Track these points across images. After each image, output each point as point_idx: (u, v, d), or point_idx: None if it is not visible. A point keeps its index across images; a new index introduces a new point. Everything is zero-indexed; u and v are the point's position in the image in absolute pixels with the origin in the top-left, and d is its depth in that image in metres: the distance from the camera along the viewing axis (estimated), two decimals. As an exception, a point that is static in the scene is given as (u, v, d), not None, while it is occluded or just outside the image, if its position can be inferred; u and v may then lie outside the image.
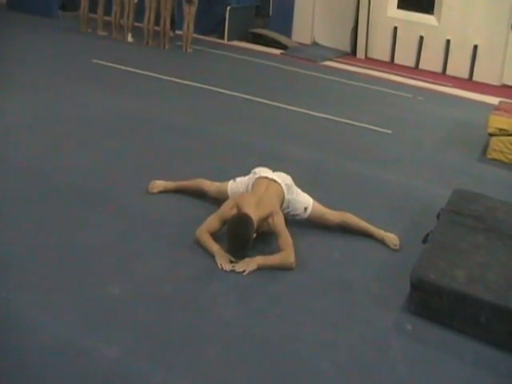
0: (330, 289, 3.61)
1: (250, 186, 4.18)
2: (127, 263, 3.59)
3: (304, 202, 4.25)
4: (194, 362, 2.83)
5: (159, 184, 4.57)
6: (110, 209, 4.24)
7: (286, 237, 3.78)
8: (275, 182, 4.15)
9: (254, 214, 3.76)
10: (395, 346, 3.15)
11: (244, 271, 3.58)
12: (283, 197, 4.13)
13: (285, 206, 4.16)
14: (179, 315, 3.16)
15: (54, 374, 2.66)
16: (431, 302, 3.35)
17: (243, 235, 3.67)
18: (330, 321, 3.30)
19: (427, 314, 3.37)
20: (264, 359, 2.92)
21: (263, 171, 4.28)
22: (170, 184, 4.58)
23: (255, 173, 4.28)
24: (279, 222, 3.84)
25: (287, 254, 3.72)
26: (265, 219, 3.83)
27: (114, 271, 3.50)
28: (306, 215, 4.25)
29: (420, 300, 3.38)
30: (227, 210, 3.88)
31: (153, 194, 4.51)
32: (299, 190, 4.30)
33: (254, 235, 3.73)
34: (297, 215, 4.25)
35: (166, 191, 4.55)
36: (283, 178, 4.24)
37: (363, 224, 4.30)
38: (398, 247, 4.15)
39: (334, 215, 4.28)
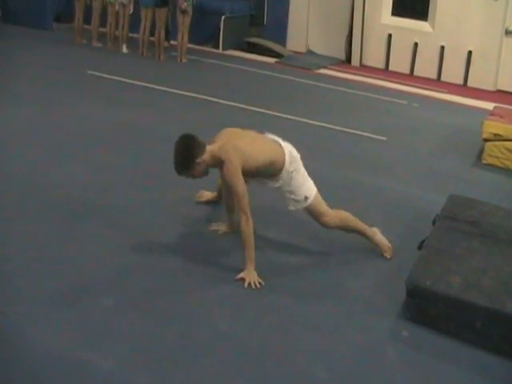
0: (326, 297, 3.61)
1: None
2: (122, 275, 3.59)
3: (307, 190, 3.97)
4: (190, 373, 2.82)
5: (207, 194, 4.59)
6: (104, 220, 4.23)
7: (238, 198, 3.59)
8: (279, 145, 3.91)
9: (213, 146, 3.64)
10: (391, 352, 3.15)
11: (254, 284, 3.57)
12: (282, 164, 3.83)
13: (284, 177, 3.88)
14: (174, 326, 3.16)
15: (49, 387, 2.65)
16: (427, 309, 3.35)
17: (181, 152, 3.58)
18: (325, 329, 3.30)
19: (423, 320, 3.37)
20: (260, 369, 2.91)
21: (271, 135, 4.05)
22: (216, 195, 4.57)
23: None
24: (231, 173, 3.59)
25: (242, 225, 3.59)
26: (218, 160, 3.63)
27: (109, 283, 3.49)
28: (304, 205, 3.97)
29: (416, 306, 3.38)
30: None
31: (199, 202, 4.57)
32: (306, 175, 4.02)
33: (200, 161, 3.59)
34: (295, 201, 3.98)
35: (211, 201, 4.58)
36: (290, 149, 3.94)
37: (360, 225, 4.14)
38: (389, 257, 4.13)
39: (331, 219, 4.03)
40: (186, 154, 3.60)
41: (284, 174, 3.88)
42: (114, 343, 2.96)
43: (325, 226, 4.09)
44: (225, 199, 4.28)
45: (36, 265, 3.58)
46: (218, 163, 3.67)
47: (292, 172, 3.91)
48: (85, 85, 8.18)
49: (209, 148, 3.64)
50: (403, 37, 12.20)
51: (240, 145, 3.67)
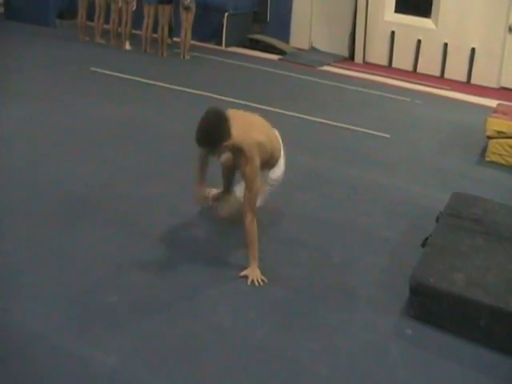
0: (329, 294, 3.60)
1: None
2: (125, 272, 3.58)
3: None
4: (193, 370, 2.82)
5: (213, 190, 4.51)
6: (107, 217, 4.23)
7: (252, 194, 3.59)
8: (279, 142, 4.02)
9: (237, 135, 3.56)
10: (395, 350, 3.14)
11: (257, 281, 3.56)
12: (274, 161, 3.98)
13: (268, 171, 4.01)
14: (178, 323, 3.15)
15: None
16: (431, 306, 3.34)
17: (213, 130, 3.48)
18: (329, 326, 3.29)
19: (427, 318, 3.36)
20: (263, 366, 2.91)
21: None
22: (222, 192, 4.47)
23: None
24: (254, 171, 3.59)
25: (247, 224, 3.57)
26: (239, 150, 3.60)
27: (112, 280, 3.49)
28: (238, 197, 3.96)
29: (420, 304, 3.37)
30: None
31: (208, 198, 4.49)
32: (267, 192, 4.10)
33: (226, 144, 3.53)
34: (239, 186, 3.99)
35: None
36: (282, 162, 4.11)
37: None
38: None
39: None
40: (218, 134, 3.50)
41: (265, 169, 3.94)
42: (116, 340, 2.96)
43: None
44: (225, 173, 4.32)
45: (39, 262, 3.58)
46: (234, 151, 3.66)
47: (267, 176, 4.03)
48: (88, 81, 8.17)
49: (232, 135, 3.55)
50: (406, 34, 12.17)
51: (260, 140, 3.69)
